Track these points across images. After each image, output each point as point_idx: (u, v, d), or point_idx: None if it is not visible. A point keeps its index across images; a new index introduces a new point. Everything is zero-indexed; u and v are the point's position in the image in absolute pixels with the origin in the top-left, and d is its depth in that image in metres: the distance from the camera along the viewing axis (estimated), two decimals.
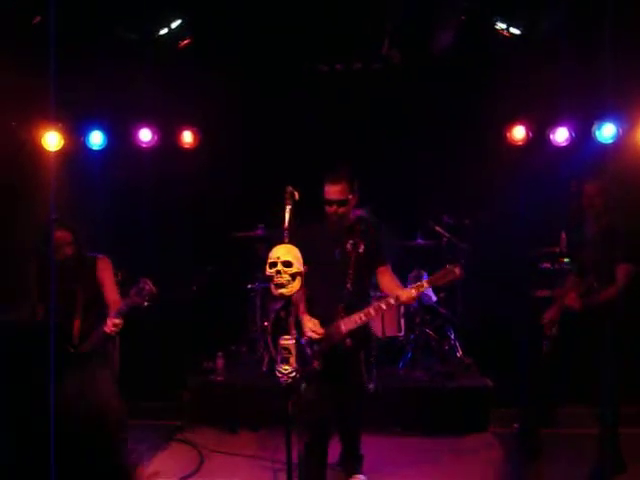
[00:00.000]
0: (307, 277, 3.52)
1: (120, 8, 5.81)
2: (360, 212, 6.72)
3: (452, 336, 6.98)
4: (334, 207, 4.18)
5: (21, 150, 7.19)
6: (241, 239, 7.00)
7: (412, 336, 6.65)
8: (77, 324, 4.52)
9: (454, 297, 7.08)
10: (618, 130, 6.61)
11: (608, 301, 4.35)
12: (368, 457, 4.70)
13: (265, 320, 6.59)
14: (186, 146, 7.44)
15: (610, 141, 6.64)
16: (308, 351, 3.85)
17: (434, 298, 7.08)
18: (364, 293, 4.31)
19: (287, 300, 3.41)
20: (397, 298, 3.98)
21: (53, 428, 4.46)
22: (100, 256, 4.70)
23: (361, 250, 4.16)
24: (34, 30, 5.62)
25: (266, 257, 3.46)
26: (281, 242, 3.49)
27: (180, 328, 7.01)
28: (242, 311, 7.14)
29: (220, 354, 6.46)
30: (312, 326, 4.00)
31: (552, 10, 5.86)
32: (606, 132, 6.63)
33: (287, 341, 3.34)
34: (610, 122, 6.62)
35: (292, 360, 3.32)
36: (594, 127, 6.71)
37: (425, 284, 4.01)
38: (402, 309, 6.59)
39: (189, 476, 4.89)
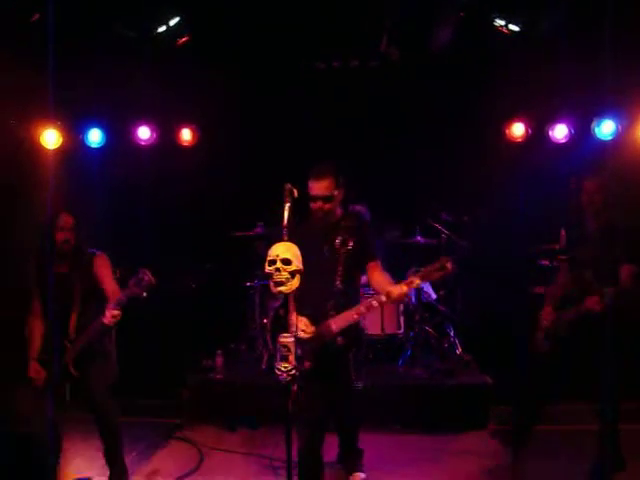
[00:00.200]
0: None
1: (118, 6, 5.80)
2: (358, 207, 6.76)
3: (451, 333, 6.98)
4: (319, 203, 4.10)
5: (19, 148, 7.17)
6: (240, 237, 7.01)
7: (411, 333, 6.65)
8: (74, 317, 4.48)
9: (453, 294, 7.09)
10: (617, 127, 6.60)
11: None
12: (368, 455, 4.70)
13: (264, 318, 6.59)
14: (185, 144, 7.43)
15: (609, 138, 6.64)
16: (298, 351, 3.76)
17: (433, 296, 7.09)
18: (355, 290, 4.24)
19: (286, 298, 3.41)
20: (388, 295, 3.89)
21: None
22: (98, 253, 4.69)
23: (350, 246, 4.09)
24: (32, 28, 5.60)
25: (265, 255, 3.46)
26: (280, 240, 3.49)
27: (179, 326, 7.01)
28: (241, 309, 7.14)
29: (219, 352, 6.46)
30: (302, 325, 3.91)
31: (551, 7, 5.85)
32: (605, 129, 6.63)
33: (286, 339, 3.34)
34: (609, 119, 6.61)
35: (291, 358, 3.31)
36: (593, 124, 6.70)
37: (416, 279, 3.89)
38: (401, 307, 6.59)
39: (188, 474, 4.89)
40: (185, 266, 7.43)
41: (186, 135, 7.41)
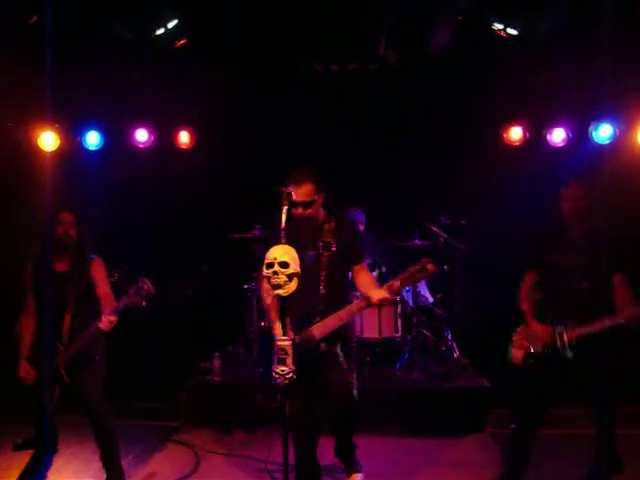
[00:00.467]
0: None
1: (116, 8, 5.80)
2: (354, 211, 6.77)
3: (449, 337, 6.99)
4: (299, 209, 3.99)
5: (17, 150, 7.18)
6: (238, 239, 7.01)
7: (409, 337, 6.66)
8: (67, 319, 4.46)
9: (451, 298, 7.09)
10: (615, 131, 6.61)
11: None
12: (366, 458, 4.68)
13: (262, 321, 6.59)
14: (183, 146, 7.43)
15: (607, 142, 6.65)
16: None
17: (430, 299, 7.09)
18: (340, 294, 4.10)
19: (283, 301, 3.40)
20: (368, 299, 3.83)
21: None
22: (94, 257, 4.70)
23: (333, 249, 4.03)
24: (31, 30, 5.60)
25: (263, 257, 3.46)
26: (277, 243, 3.49)
27: (177, 328, 7.01)
28: (239, 311, 7.14)
29: (217, 354, 6.45)
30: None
31: (550, 11, 5.86)
32: (603, 133, 6.64)
33: (283, 342, 3.33)
34: (607, 123, 6.62)
35: (289, 361, 3.31)
36: (591, 128, 6.72)
37: (396, 283, 3.82)
38: (399, 310, 6.59)
39: (185, 477, 4.88)
40: (183, 268, 7.42)
41: (184, 137, 7.41)
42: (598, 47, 5.55)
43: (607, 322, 4.14)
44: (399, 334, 6.60)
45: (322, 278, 3.99)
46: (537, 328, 4.35)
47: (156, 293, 4.29)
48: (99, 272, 4.65)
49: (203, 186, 7.36)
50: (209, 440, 5.63)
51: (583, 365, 4.23)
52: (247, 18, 6.09)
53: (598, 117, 6.65)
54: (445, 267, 7.06)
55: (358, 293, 4.25)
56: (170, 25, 6.06)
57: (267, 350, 4.03)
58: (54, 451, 4.74)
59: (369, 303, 3.85)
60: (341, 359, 4.02)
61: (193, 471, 5.00)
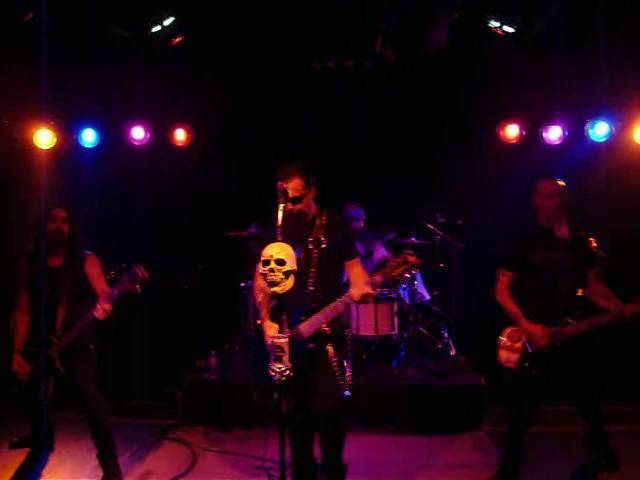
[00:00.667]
0: None
1: (112, 5, 5.79)
2: (353, 207, 6.76)
3: (445, 334, 6.99)
4: (289, 205, 3.84)
5: (13, 148, 7.16)
6: (234, 237, 7.01)
7: (405, 334, 6.65)
8: (61, 313, 4.48)
9: (447, 295, 7.10)
10: (611, 128, 6.62)
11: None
12: (362, 456, 4.69)
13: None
14: (179, 144, 7.42)
15: (603, 139, 6.65)
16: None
17: (427, 297, 7.09)
18: (331, 292, 3.90)
19: (280, 299, 3.39)
20: (351, 297, 3.74)
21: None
22: (89, 253, 4.70)
23: (324, 246, 3.94)
24: (26, 27, 5.58)
25: (259, 255, 3.45)
26: (274, 240, 3.48)
27: (173, 327, 6.99)
28: (235, 309, 7.13)
29: (213, 352, 6.45)
30: (272, 333, 3.67)
31: (546, 9, 5.86)
32: (599, 130, 6.65)
33: (280, 339, 3.33)
34: (603, 120, 6.63)
35: (285, 358, 3.30)
36: (587, 125, 6.72)
37: (378, 278, 3.74)
38: (395, 307, 6.59)
39: (182, 475, 4.88)
40: (179, 266, 7.42)
41: (180, 135, 7.39)
42: (594, 45, 5.57)
43: (607, 318, 4.15)
44: (395, 332, 6.60)
45: (311, 275, 3.91)
46: (534, 329, 4.29)
47: (151, 288, 4.28)
48: (94, 268, 4.65)
49: (199, 184, 7.36)
50: (206, 438, 5.62)
51: (573, 362, 4.26)
52: (243, 16, 6.08)
53: (594, 115, 6.65)
54: (441, 265, 7.08)
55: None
56: (166, 23, 6.07)
57: (259, 349, 4.02)
58: (50, 449, 4.74)
59: (352, 300, 3.77)
60: (332, 360, 3.91)
61: (190, 469, 5.00)
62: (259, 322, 4.01)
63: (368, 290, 3.73)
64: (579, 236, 4.29)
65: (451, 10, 6.04)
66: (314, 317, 3.83)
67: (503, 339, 4.45)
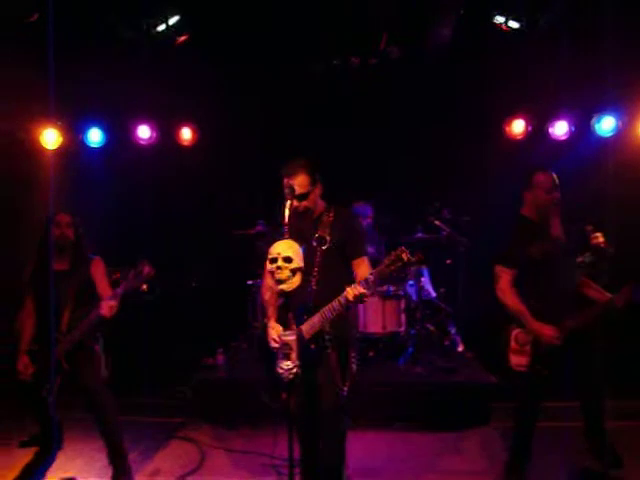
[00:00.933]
0: None
1: (118, 5, 5.80)
2: (361, 205, 6.74)
3: (453, 331, 6.98)
4: (295, 202, 3.77)
5: (20, 148, 7.18)
6: (241, 235, 7.02)
7: (413, 331, 6.65)
8: (66, 314, 4.50)
9: (454, 292, 7.09)
10: (617, 123, 6.60)
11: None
12: (370, 452, 4.68)
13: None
14: (185, 143, 7.44)
15: (609, 134, 6.63)
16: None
17: (433, 294, 7.09)
18: (335, 291, 3.71)
19: (287, 297, 3.39)
20: (345, 296, 3.60)
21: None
22: (94, 257, 4.72)
23: (328, 244, 3.83)
24: (32, 27, 5.60)
25: (266, 252, 3.45)
26: (281, 237, 3.48)
27: (181, 325, 7.01)
28: (243, 307, 7.14)
29: (221, 350, 6.46)
30: (274, 334, 3.68)
31: (551, 3, 5.84)
32: (605, 125, 6.63)
33: (288, 337, 3.33)
34: (609, 115, 6.61)
35: (293, 356, 3.30)
36: (593, 120, 6.70)
37: (371, 276, 3.60)
38: (402, 304, 6.58)
39: (190, 473, 4.88)
40: (186, 265, 7.43)
41: (186, 134, 7.42)
42: (600, 39, 5.54)
43: (600, 308, 4.21)
44: (403, 328, 6.60)
45: (314, 274, 3.80)
46: (545, 330, 4.22)
47: (159, 286, 4.29)
48: (99, 272, 4.68)
49: (205, 182, 7.37)
50: (214, 436, 5.62)
51: (578, 359, 4.27)
52: (248, 14, 6.08)
53: (601, 110, 6.63)
54: (448, 261, 7.07)
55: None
56: (171, 21, 6.08)
57: (264, 347, 3.97)
58: (59, 448, 4.75)
59: (347, 300, 3.63)
60: (332, 363, 3.80)
61: (198, 467, 5.00)
62: (265, 320, 3.96)
63: (362, 290, 3.57)
64: (573, 229, 4.30)
65: (456, 6, 6.03)
66: (314, 317, 3.74)
67: (514, 344, 4.38)
